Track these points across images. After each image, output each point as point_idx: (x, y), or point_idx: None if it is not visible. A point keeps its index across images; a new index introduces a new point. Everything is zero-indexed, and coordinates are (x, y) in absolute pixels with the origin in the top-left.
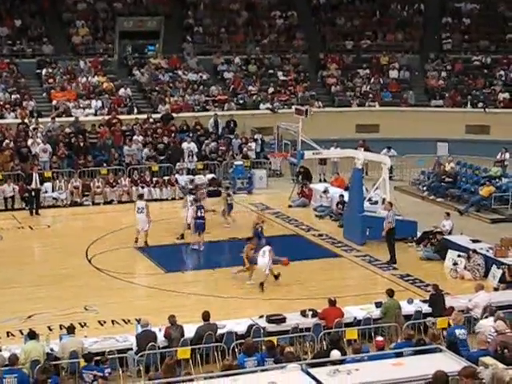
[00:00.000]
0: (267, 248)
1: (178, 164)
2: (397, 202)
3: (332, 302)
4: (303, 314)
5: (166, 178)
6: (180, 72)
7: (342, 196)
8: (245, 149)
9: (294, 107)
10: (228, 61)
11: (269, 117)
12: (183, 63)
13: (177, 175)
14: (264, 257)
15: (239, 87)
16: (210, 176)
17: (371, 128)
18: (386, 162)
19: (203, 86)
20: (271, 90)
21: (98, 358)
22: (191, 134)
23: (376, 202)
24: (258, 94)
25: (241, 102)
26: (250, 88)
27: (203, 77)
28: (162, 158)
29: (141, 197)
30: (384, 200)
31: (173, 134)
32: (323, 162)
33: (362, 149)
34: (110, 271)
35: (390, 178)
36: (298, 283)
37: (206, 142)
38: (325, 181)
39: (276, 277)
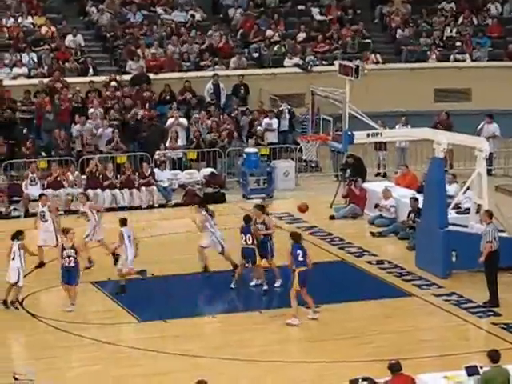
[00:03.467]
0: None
1: (157, 152)
2: (500, 210)
3: (396, 368)
4: None
5: (138, 173)
6: (160, 9)
7: (415, 200)
8: (260, 128)
9: (337, 63)
10: None
11: (298, 78)
12: None
13: (156, 169)
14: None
15: (252, 32)
16: (208, 171)
17: (458, 95)
18: (483, 146)
19: (196, 31)
20: (302, 36)
21: None
22: (177, 106)
23: (467, 211)
24: (282, 42)
25: (255, 55)
26: (269, 33)
27: (196, 16)
28: (132, 142)
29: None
30: (479, 207)
31: (148, 106)
32: (383, 147)
33: (444, 127)
34: (50, 319)
35: (489, 172)
36: (347, 337)
37: (195, 116)
38: (385, 176)
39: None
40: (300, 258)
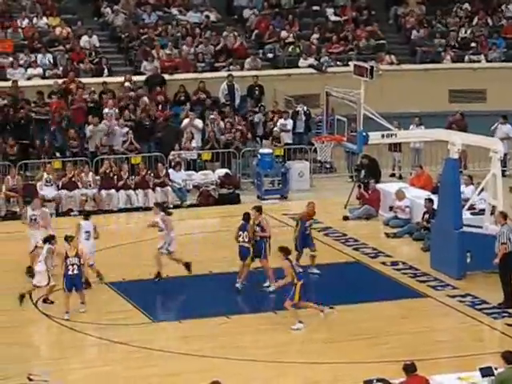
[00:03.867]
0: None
1: (172, 153)
2: None
3: (410, 369)
4: None
5: (153, 174)
6: (174, 10)
7: (430, 201)
8: (276, 129)
9: (352, 64)
10: None
11: (313, 79)
12: None
13: (170, 170)
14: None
15: (267, 33)
16: (223, 172)
17: (473, 96)
18: (498, 147)
19: (211, 32)
20: (316, 36)
21: None
22: (192, 107)
23: (482, 212)
24: (296, 43)
25: (269, 56)
26: (284, 34)
27: (211, 17)
28: (147, 143)
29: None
30: (494, 208)
31: (163, 107)
32: (398, 148)
33: (457, 127)
34: (64, 319)
35: (503, 173)
36: (361, 338)
37: (211, 117)
38: (400, 178)
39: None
40: (299, 270)
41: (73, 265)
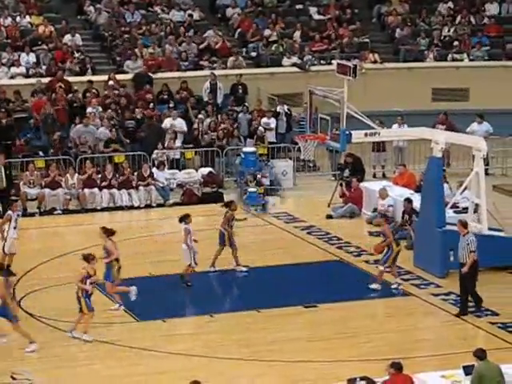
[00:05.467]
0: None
1: (155, 152)
2: (497, 209)
3: (396, 367)
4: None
5: (136, 173)
6: (158, 8)
7: (408, 202)
8: (259, 128)
9: (335, 62)
10: None
11: (296, 78)
12: None
13: (154, 169)
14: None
15: (250, 31)
16: (206, 170)
17: (456, 94)
18: (481, 146)
19: (194, 30)
20: (299, 35)
21: None
22: (176, 105)
23: (465, 210)
24: (279, 42)
25: (253, 54)
26: (267, 33)
27: (194, 15)
28: (130, 142)
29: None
30: (477, 207)
31: (153, 106)
32: (381, 147)
33: (443, 126)
34: (49, 318)
35: (486, 171)
36: (345, 336)
37: (199, 117)
38: (384, 176)
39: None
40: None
41: (92, 283)
